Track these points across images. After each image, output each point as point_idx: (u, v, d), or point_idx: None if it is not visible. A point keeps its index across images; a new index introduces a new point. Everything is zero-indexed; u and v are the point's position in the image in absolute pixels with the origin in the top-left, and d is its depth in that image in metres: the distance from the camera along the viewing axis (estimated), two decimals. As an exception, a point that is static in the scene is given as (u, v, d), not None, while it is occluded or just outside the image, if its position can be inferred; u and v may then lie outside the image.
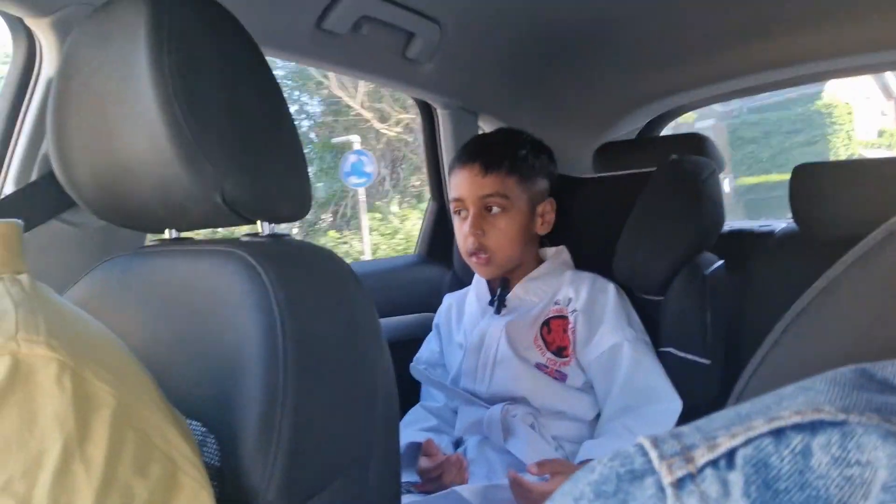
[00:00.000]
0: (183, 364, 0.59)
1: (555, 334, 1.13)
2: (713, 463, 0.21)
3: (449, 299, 1.34)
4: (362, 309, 0.63)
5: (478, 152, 1.18)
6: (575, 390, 1.10)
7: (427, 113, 1.60)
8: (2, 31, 0.89)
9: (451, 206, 1.22)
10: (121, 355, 0.46)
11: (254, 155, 0.61)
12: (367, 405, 0.59)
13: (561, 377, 1.10)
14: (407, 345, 1.36)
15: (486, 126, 1.66)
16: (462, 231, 1.19)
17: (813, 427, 0.21)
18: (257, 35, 0.65)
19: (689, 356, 1.12)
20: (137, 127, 0.58)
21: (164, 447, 0.42)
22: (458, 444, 1.18)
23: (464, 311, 1.27)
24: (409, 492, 1.03)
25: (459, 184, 1.18)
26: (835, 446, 0.20)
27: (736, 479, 0.20)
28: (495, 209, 1.15)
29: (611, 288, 1.14)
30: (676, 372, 1.09)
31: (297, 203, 0.65)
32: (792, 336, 0.32)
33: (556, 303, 1.15)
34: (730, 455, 0.21)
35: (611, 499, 0.21)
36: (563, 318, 1.13)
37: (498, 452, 1.10)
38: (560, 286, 1.17)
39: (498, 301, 1.19)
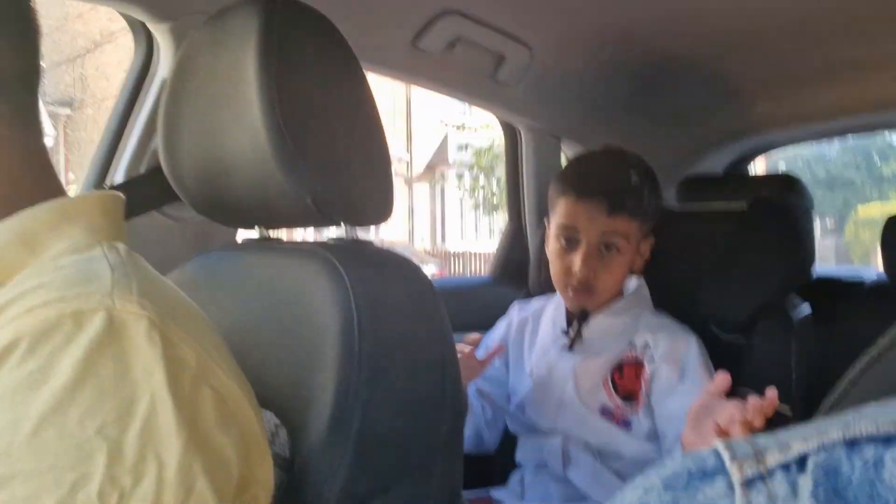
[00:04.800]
0: (261, 354, 0.61)
1: (626, 379, 1.08)
2: (785, 466, 0.21)
3: (520, 314, 1.27)
4: (437, 318, 0.64)
5: (604, 188, 1.09)
6: (639, 439, 1.05)
7: (511, 134, 1.61)
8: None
9: (555, 230, 1.14)
10: (204, 325, 0.48)
11: (345, 159, 0.64)
12: (434, 411, 0.60)
13: (625, 425, 1.06)
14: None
15: (568, 150, 1.65)
16: (564, 260, 1.12)
17: (887, 440, 0.21)
18: (356, 49, 0.68)
19: None
20: (241, 128, 0.61)
21: (237, 412, 0.44)
22: (513, 466, 1.16)
23: (537, 336, 1.21)
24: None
25: (577, 215, 1.10)
26: None
27: (805, 482, 0.21)
28: (613, 249, 1.10)
29: (693, 341, 1.09)
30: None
31: (380, 207, 0.67)
32: (886, 363, 0.31)
33: (631, 346, 1.10)
34: (801, 460, 0.21)
35: (680, 491, 0.22)
36: (638, 363, 1.08)
37: (556, 481, 1.08)
38: (637, 328, 1.12)
39: (573, 336, 1.14)
